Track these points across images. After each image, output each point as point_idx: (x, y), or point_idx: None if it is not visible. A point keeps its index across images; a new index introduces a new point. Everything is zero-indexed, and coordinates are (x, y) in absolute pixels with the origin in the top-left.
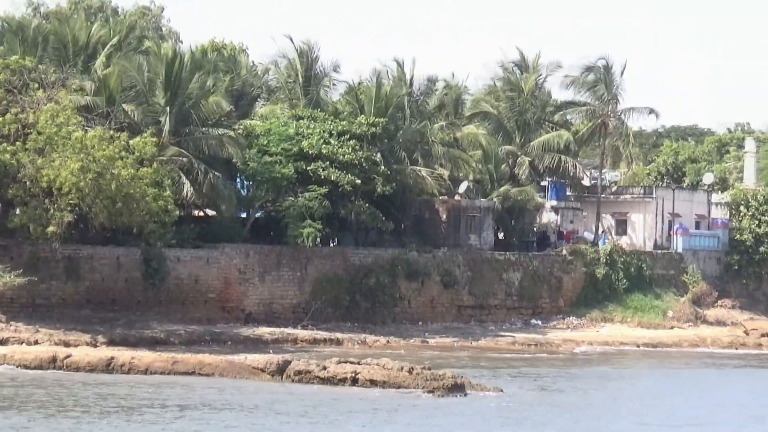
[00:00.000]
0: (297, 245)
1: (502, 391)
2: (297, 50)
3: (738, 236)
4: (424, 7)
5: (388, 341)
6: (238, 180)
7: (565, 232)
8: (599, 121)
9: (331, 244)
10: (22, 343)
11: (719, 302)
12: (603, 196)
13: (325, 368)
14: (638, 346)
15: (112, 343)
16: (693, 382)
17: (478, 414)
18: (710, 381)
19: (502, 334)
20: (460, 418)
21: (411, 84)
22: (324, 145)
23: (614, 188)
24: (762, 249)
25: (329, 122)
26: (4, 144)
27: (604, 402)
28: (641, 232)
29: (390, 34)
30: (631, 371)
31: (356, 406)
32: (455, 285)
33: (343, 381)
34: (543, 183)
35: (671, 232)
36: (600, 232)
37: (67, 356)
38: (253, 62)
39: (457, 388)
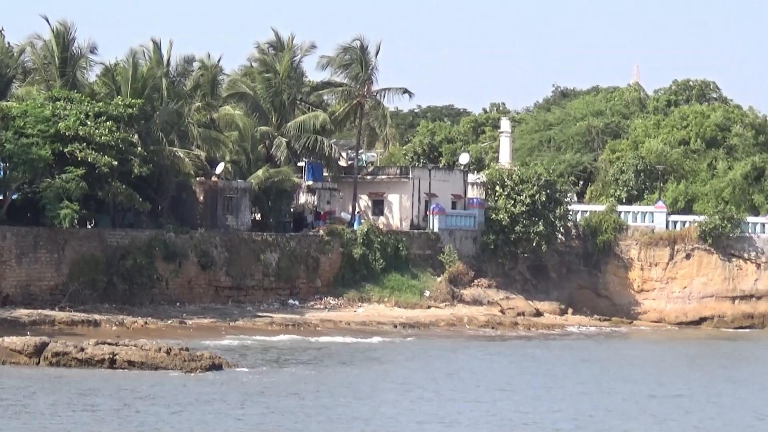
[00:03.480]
0: (54, 227)
1: (257, 368)
2: (53, 31)
3: (494, 216)
4: None
5: (146, 322)
6: None
7: (322, 213)
8: (355, 101)
9: (89, 226)
10: None
11: (476, 282)
12: (359, 176)
13: (82, 350)
14: (395, 326)
15: None
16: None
17: (231, 390)
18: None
19: (260, 314)
20: (212, 394)
21: (168, 65)
22: (81, 127)
23: (371, 169)
24: (517, 228)
25: (86, 104)
26: None
27: (355, 374)
28: (398, 212)
29: (149, 14)
30: (383, 348)
31: (105, 388)
32: (213, 266)
33: (101, 362)
34: (300, 164)
35: (428, 212)
36: (356, 212)
37: None
38: (8, 43)
39: (215, 368)
